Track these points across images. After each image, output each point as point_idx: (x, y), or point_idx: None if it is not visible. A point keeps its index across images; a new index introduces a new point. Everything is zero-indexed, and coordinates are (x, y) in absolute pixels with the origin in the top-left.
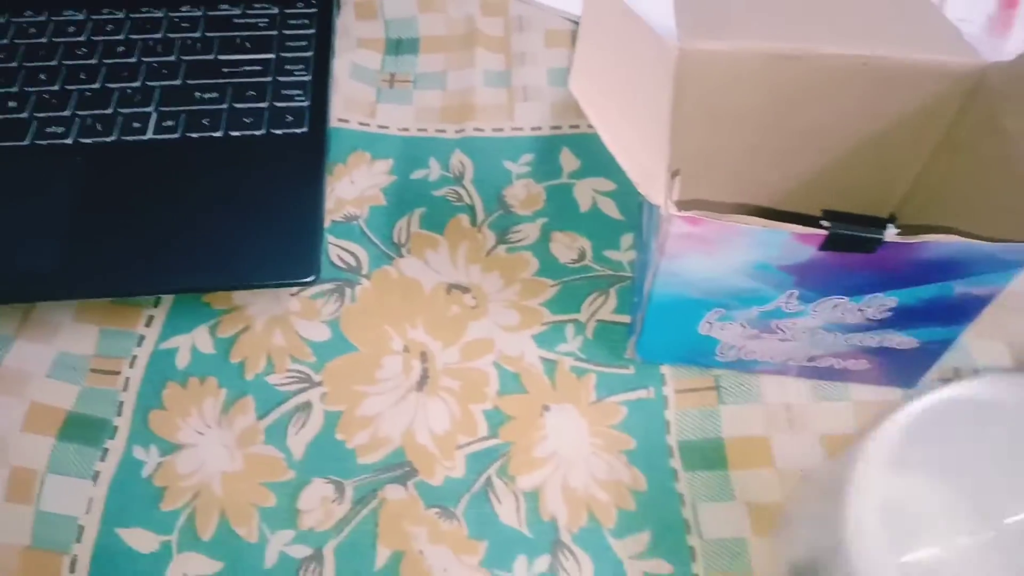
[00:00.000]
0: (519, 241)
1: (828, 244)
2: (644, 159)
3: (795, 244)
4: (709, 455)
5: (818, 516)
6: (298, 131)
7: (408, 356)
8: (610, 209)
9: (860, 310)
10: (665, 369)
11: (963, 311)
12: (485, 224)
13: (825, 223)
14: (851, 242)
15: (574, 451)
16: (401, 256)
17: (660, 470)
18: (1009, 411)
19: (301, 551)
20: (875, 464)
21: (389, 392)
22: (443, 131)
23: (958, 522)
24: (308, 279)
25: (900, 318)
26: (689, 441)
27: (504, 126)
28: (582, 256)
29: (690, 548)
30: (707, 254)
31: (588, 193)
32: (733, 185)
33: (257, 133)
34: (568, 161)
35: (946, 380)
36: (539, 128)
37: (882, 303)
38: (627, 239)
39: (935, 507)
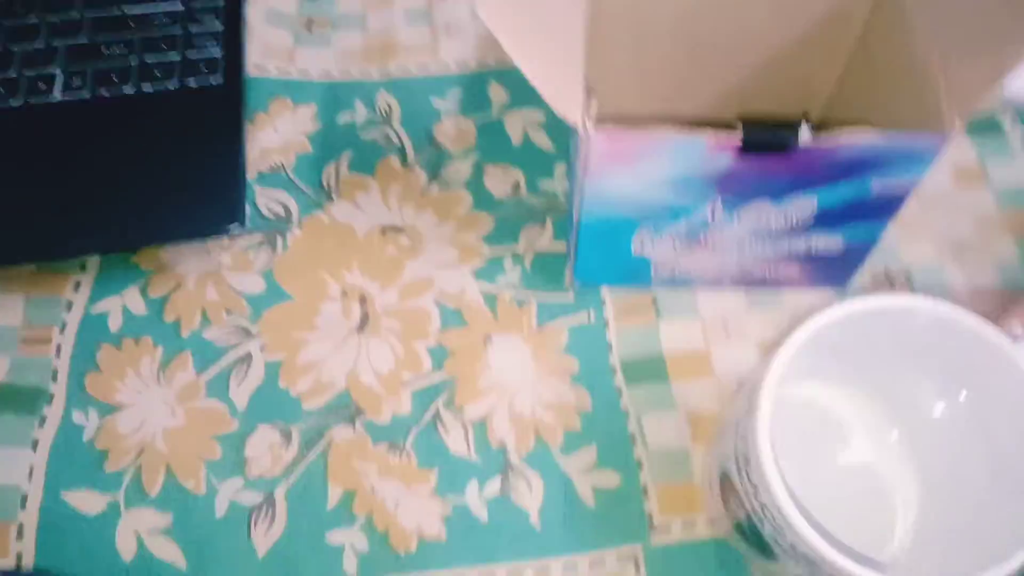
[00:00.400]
0: (452, 178)
1: (745, 148)
2: (559, 79)
3: (713, 151)
4: (651, 370)
5: (739, 423)
6: (213, 82)
7: (347, 300)
8: (542, 140)
9: (784, 214)
10: (605, 292)
11: (882, 208)
12: (416, 164)
13: (741, 128)
14: (767, 145)
15: (519, 378)
16: (332, 201)
17: (604, 389)
18: (918, 318)
19: (252, 498)
20: (784, 372)
21: (329, 337)
22: (367, 73)
23: (867, 425)
24: (232, 228)
25: (823, 219)
26: (631, 359)
27: (429, 64)
28: (516, 188)
29: (636, 459)
30: (629, 170)
31: (519, 125)
32: (657, 99)
33: (171, 87)
34: (497, 94)
35: (877, 281)
36: (465, 63)
37: (804, 205)
38: (560, 168)
39: (844, 411)
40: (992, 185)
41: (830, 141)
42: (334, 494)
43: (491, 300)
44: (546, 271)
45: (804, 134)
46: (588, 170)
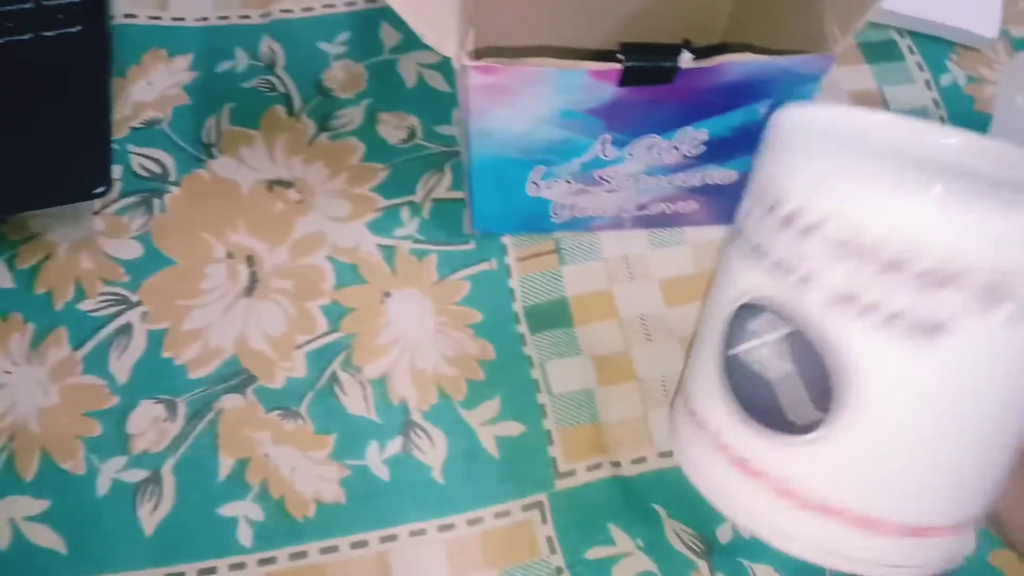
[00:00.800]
0: (343, 127)
1: (626, 79)
2: (433, 11)
3: (594, 82)
4: (554, 316)
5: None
6: (72, 30)
7: (233, 262)
8: (437, 82)
9: (675, 147)
10: (506, 239)
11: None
12: (304, 113)
13: (621, 56)
14: (648, 73)
15: (420, 333)
16: (213, 157)
17: (507, 337)
18: None
19: (136, 475)
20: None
21: (216, 302)
22: (247, 16)
23: None
24: (99, 191)
25: (715, 151)
26: (534, 305)
27: (315, 4)
28: (412, 135)
29: (540, 406)
30: (512, 106)
31: (413, 68)
32: (543, 32)
33: (24, 38)
34: (388, 36)
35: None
36: (353, 3)
37: (694, 136)
38: (458, 112)
39: None
40: (890, 110)
41: (711, 64)
42: (225, 465)
43: (388, 253)
44: (445, 221)
45: (685, 58)
46: (471, 107)
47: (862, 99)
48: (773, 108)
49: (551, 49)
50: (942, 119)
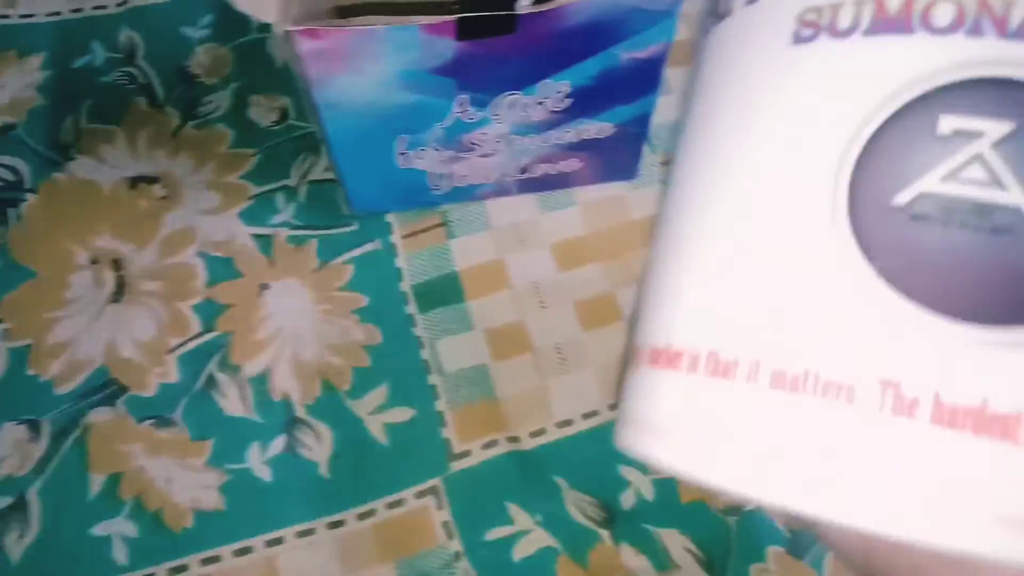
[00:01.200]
0: (210, 114)
1: (463, 31)
2: None
3: (431, 38)
4: (445, 292)
5: None
6: None
7: (98, 268)
8: None
9: (540, 103)
10: (390, 217)
11: (641, 81)
12: (167, 103)
13: (456, 7)
14: (486, 24)
15: (301, 323)
16: (71, 159)
17: (396, 319)
18: None
19: None
20: None
21: (82, 312)
22: (103, 7)
23: None
24: None
25: (582, 103)
26: (423, 283)
27: None
28: (284, 116)
29: (431, 387)
30: (353, 72)
31: (283, 47)
32: None
33: None
34: None
35: (668, 161)
36: None
37: (556, 89)
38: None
39: None
40: None
41: (551, 6)
42: (96, 481)
43: (265, 243)
44: (324, 203)
45: (522, 4)
46: (310, 77)
47: None
48: (631, 50)
49: (396, 5)
50: None
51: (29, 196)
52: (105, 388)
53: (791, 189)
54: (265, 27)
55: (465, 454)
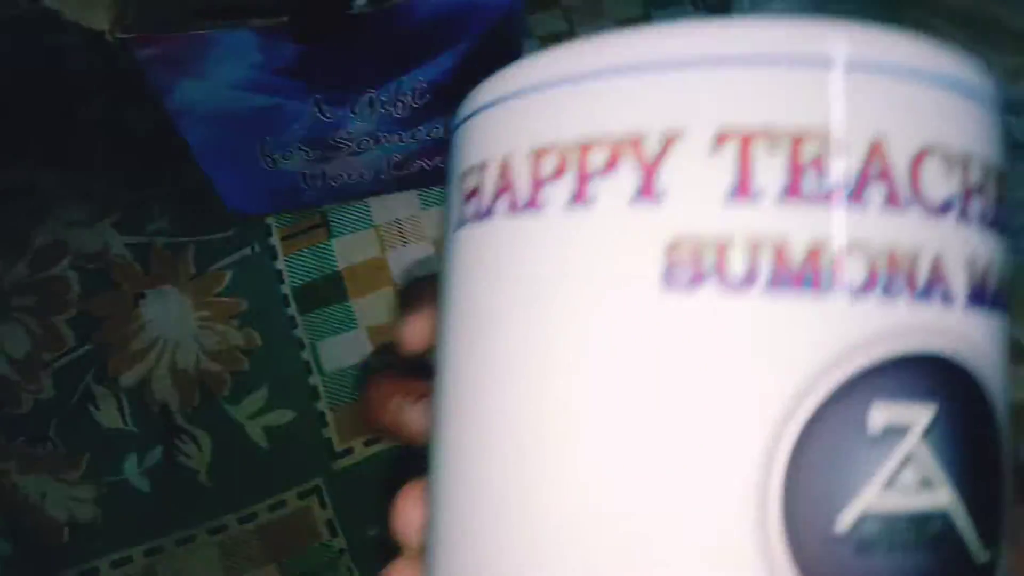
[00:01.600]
0: (81, 121)
1: (299, 33)
2: None
3: (269, 41)
4: (327, 292)
5: None
6: None
7: None
8: None
9: (399, 101)
10: (270, 219)
11: (505, 53)
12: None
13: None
14: (320, 25)
15: (179, 332)
16: None
17: (276, 322)
18: None
19: None
20: None
21: None
22: None
23: None
24: None
25: (444, 98)
26: (305, 284)
27: None
28: (160, 122)
29: (312, 387)
30: (196, 76)
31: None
32: None
33: None
34: None
35: None
36: None
37: (412, 86)
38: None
39: None
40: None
41: (387, 5)
42: None
43: (141, 252)
44: (200, 208)
45: (358, 4)
46: (152, 82)
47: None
48: (478, 44)
49: (241, 10)
50: None
51: None
52: None
53: (699, 516)
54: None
55: (346, 452)
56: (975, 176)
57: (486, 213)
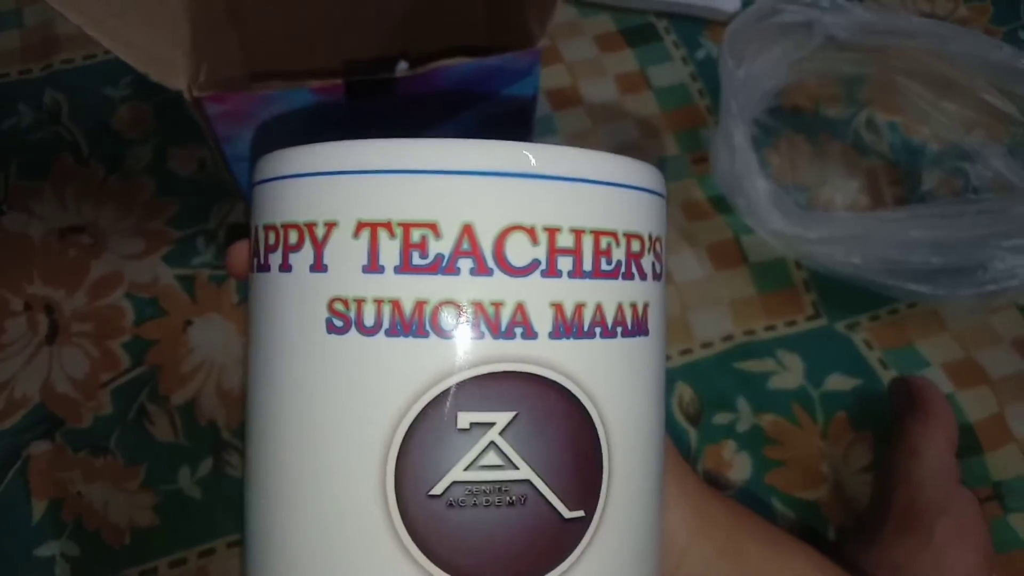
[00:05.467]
0: (133, 166)
1: (351, 92)
2: (159, 50)
3: (323, 99)
4: None
5: None
6: None
7: (32, 313)
8: None
9: None
10: None
11: (515, 128)
12: (92, 158)
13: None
14: (370, 86)
15: (224, 355)
16: (3, 214)
17: None
18: None
19: None
20: None
21: (18, 354)
22: (27, 71)
23: None
24: None
25: None
26: None
27: (97, 51)
28: (202, 166)
29: None
30: (255, 129)
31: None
32: (320, 49)
33: None
34: None
35: None
36: None
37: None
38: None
39: None
40: (653, 88)
41: (424, 70)
42: (38, 508)
43: (187, 283)
44: None
45: (400, 68)
46: (218, 135)
47: (627, 80)
48: (503, 102)
49: (296, 72)
50: (700, 92)
51: None
52: (43, 423)
53: (344, 481)
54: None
55: None
56: (563, 242)
57: (256, 266)
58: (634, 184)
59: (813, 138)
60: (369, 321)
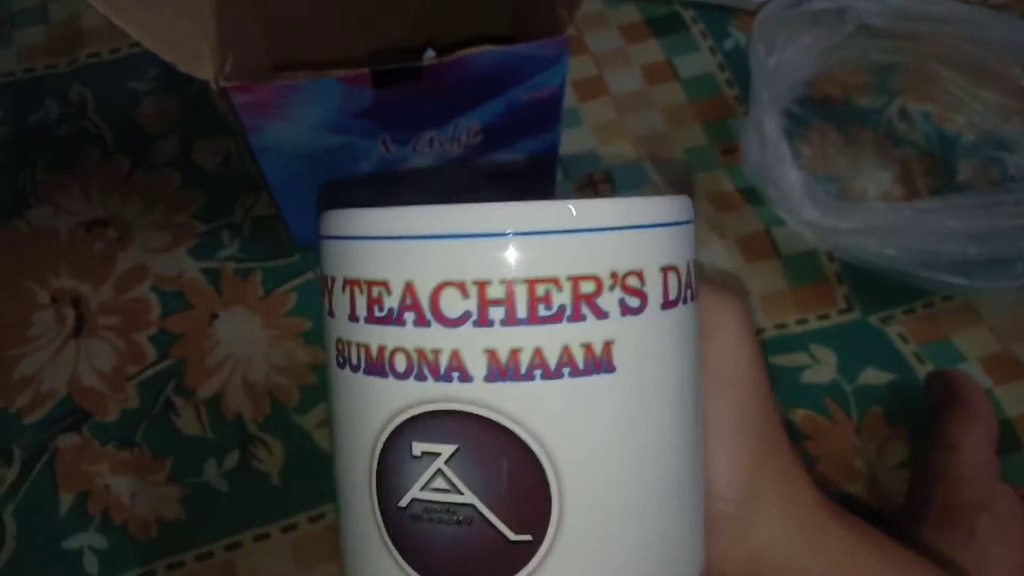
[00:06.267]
0: (157, 159)
1: (378, 81)
2: (185, 41)
3: (350, 88)
4: None
5: None
6: None
7: (59, 306)
8: None
9: (455, 139)
10: None
11: (543, 118)
12: (118, 151)
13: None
14: (397, 74)
15: (249, 348)
16: (29, 207)
17: None
18: None
19: None
20: None
21: (45, 347)
22: (54, 66)
23: None
24: None
25: (493, 138)
26: None
27: (122, 45)
28: (227, 159)
29: None
30: (283, 119)
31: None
32: (343, 39)
33: None
34: None
35: (580, 186)
36: None
37: (468, 127)
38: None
39: None
40: (680, 78)
41: (451, 59)
42: (65, 500)
43: (213, 276)
44: (266, 237)
45: (427, 56)
46: (244, 125)
47: (654, 70)
48: (530, 91)
49: (321, 62)
50: (728, 81)
51: None
52: (70, 416)
53: (354, 489)
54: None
55: None
56: (494, 292)
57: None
58: (579, 228)
59: (844, 128)
60: (354, 360)
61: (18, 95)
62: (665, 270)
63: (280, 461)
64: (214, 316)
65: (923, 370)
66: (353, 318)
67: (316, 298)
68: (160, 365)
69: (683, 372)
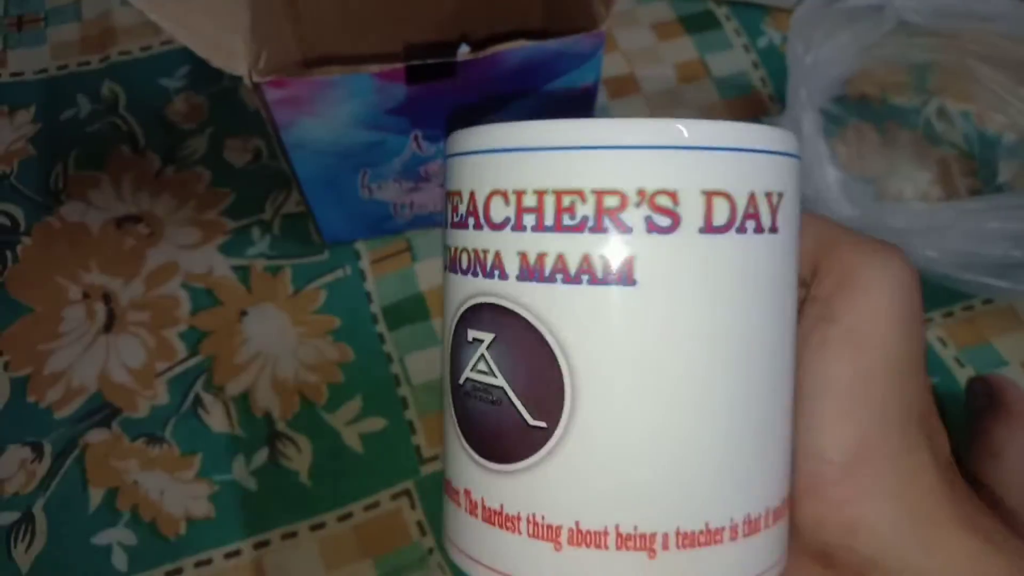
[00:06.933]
0: (188, 156)
1: (412, 77)
2: (220, 37)
3: (384, 84)
4: (412, 311)
5: None
6: None
7: (90, 302)
8: None
9: None
10: (359, 244)
11: (575, 112)
12: (149, 148)
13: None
14: (431, 70)
15: (279, 346)
16: (61, 203)
17: (366, 338)
18: None
19: (7, 518)
20: None
21: (76, 342)
22: (86, 63)
23: None
24: None
25: None
26: (391, 304)
27: (153, 43)
28: (257, 156)
29: (401, 398)
30: (315, 115)
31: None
32: (374, 35)
33: None
34: None
35: None
36: None
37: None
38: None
39: None
40: (713, 77)
41: (486, 54)
42: (95, 496)
43: (243, 273)
44: (296, 234)
45: (462, 52)
46: (276, 121)
47: (686, 68)
48: (564, 87)
49: (354, 57)
50: (762, 80)
51: (24, 239)
52: (100, 411)
53: (445, 365)
54: (237, 76)
55: (434, 458)
56: (527, 201)
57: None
58: (607, 144)
59: (880, 127)
60: (446, 260)
61: (51, 92)
62: (709, 194)
63: (309, 459)
64: (243, 313)
65: (963, 374)
66: (446, 224)
67: (345, 296)
68: (189, 362)
69: (736, 301)
